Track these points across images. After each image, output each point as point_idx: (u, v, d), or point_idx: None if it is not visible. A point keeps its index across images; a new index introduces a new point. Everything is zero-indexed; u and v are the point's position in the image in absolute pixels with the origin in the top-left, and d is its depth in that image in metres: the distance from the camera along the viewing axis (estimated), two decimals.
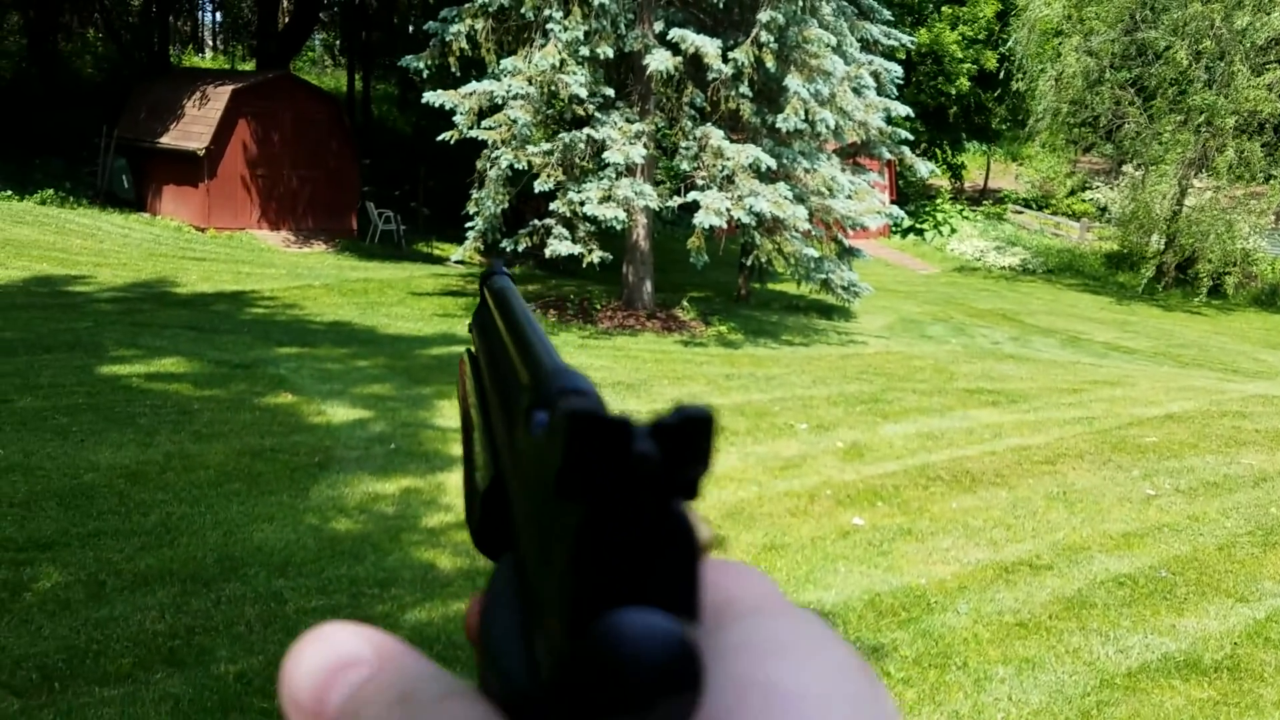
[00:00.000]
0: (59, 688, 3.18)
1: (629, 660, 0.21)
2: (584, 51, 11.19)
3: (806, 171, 11.80)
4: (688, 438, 0.22)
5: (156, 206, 17.58)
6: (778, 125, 11.36)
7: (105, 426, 5.80)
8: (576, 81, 11.09)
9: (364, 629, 0.28)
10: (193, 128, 16.92)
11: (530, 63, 11.26)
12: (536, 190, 11.72)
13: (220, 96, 16.98)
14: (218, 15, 35.47)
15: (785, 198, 11.14)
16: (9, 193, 16.42)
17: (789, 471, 6.25)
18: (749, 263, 13.68)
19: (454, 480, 5.40)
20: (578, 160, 11.62)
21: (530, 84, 11.25)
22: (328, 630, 0.28)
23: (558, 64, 11.11)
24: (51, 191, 16.85)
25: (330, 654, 0.27)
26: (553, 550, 0.23)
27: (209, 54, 35.60)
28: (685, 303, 13.35)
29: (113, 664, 3.34)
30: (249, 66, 26.99)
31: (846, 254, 13.46)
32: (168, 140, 17.01)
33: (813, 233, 12.34)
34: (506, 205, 12.36)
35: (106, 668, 3.31)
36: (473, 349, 0.48)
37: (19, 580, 3.87)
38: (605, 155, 11.23)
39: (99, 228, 15.55)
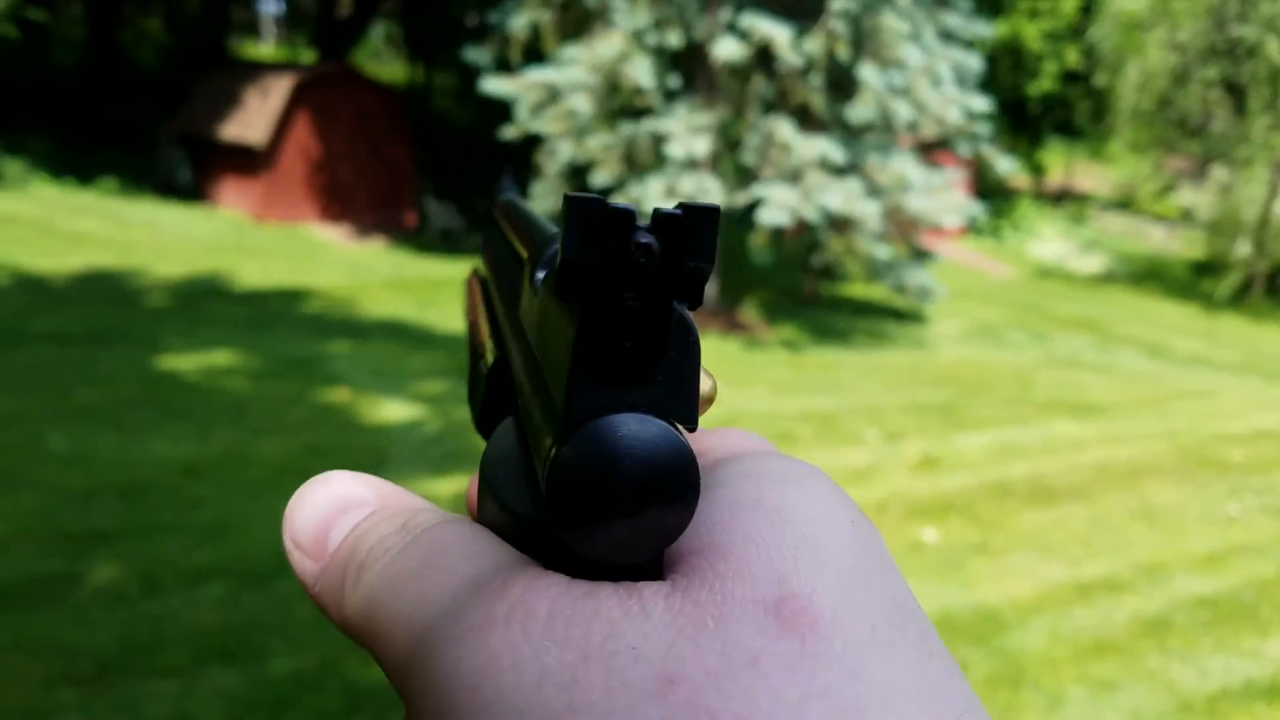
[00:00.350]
0: (114, 679, 3.18)
1: (620, 461, 0.21)
2: (650, 40, 11.01)
3: (879, 167, 11.54)
4: (691, 230, 0.21)
5: (215, 199, 17.73)
6: (849, 117, 11.12)
7: (162, 420, 5.77)
8: (641, 71, 10.92)
9: (365, 476, 0.29)
10: (252, 120, 17.03)
11: (593, 51, 11.11)
12: (596, 185, 11.58)
13: (280, 89, 17.07)
14: (278, 5, 35.91)
15: (857, 194, 10.91)
16: (70, 181, 16.67)
17: (857, 481, 6.09)
18: (816, 263, 13.45)
19: None
20: (639, 154, 11.47)
21: (592, 73, 11.10)
22: (331, 475, 0.29)
23: (621, 53, 10.95)
24: (112, 183, 17.07)
25: (333, 496, 0.28)
26: (552, 367, 0.23)
27: (269, 43, 36.05)
28: (750, 303, 13.16)
29: (167, 658, 3.32)
30: (309, 57, 27.24)
31: (920, 255, 13.13)
32: (227, 132, 17.14)
33: (885, 232, 12.07)
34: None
35: (161, 661, 3.30)
36: (480, 270, 0.48)
37: (76, 572, 3.86)
38: (667, 148, 11.06)
39: (158, 220, 15.72)
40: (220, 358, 7.53)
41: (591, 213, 0.20)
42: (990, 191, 26.19)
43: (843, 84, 11.50)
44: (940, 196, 12.23)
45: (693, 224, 0.21)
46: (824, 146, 10.81)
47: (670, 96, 11.63)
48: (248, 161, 17.02)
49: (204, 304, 10.08)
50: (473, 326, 0.43)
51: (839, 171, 11.38)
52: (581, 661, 0.21)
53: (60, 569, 3.85)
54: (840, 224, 11.32)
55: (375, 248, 17.33)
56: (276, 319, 9.68)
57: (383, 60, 33.54)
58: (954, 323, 14.83)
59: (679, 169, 11.14)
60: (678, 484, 0.21)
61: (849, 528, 0.24)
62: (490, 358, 0.34)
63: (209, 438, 5.54)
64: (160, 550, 4.12)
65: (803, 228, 11.73)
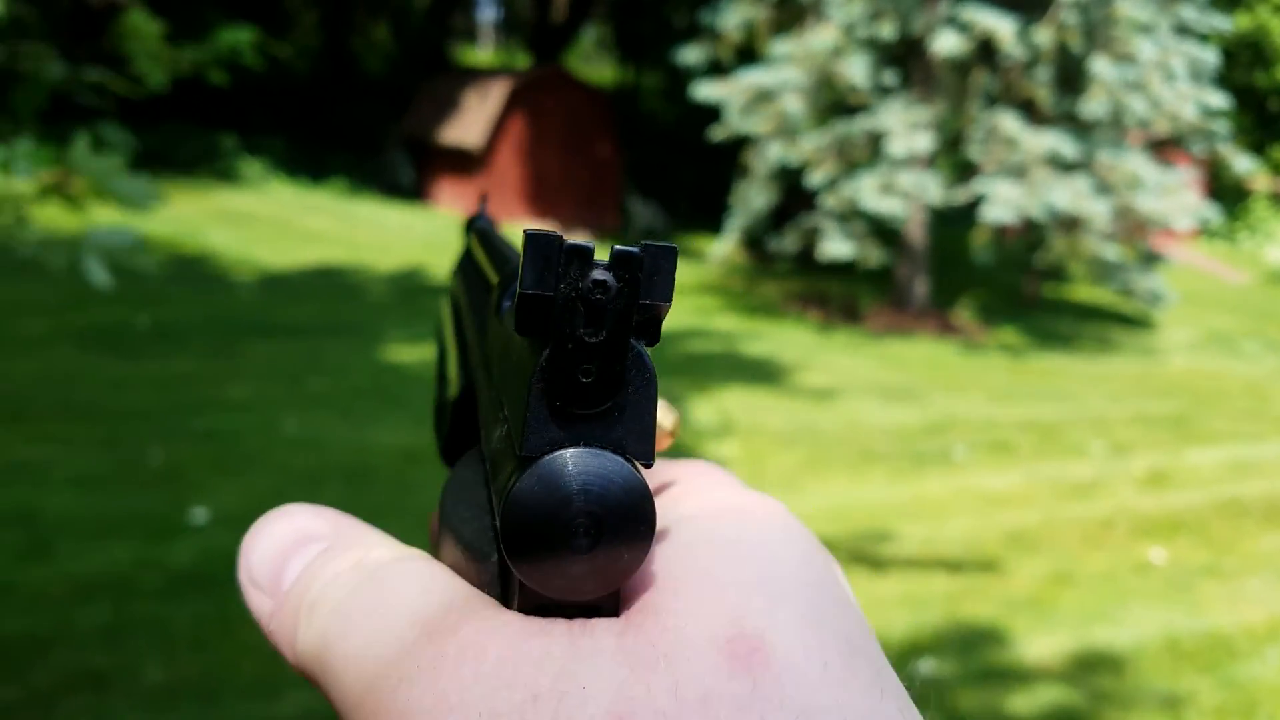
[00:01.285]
0: None
1: (574, 497, 0.21)
2: (862, 34, 10.81)
3: (1109, 165, 10.96)
4: (649, 269, 0.21)
5: (434, 199, 18.58)
6: (1079, 112, 10.60)
7: (385, 408, 6.08)
8: (854, 68, 10.74)
9: (321, 508, 0.29)
10: (470, 123, 17.74)
11: (804, 46, 10.99)
12: (808, 186, 11.46)
13: (497, 93, 17.71)
14: (497, 11, 37.26)
15: (1085, 192, 10.38)
16: (304, 181, 17.84)
17: (1080, 496, 5.79)
18: (1039, 263, 12.87)
19: None
20: (853, 152, 11.27)
21: (804, 71, 10.98)
22: (288, 509, 0.29)
23: (835, 48, 10.79)
24: (341, 183, 18.17)
25: (289, 531, 0.29)
26: (512, 399, 0.23)
27: (486, 49, 37.49)
28: (966, 305, 12.73)
29: None
30: (523, 60, 28.15)
31: (1150, 258, 12.38)
32: (446, 135, 17.92)
33: (1114, 233, 11.46)
34: (774, 201, 12.17)
35: None
36: (453, 293, 0.48)
37: None
38: (887, 145, 10.82)
39: (382, 219, 16.60)
40: (436, 350, 7.88)
41: (549, 249, 0.20)
42: (1224, 192, 24.39)
43: (1070, 78, 10.98)
44: (1173, 197, 11.47)
45: (651, 263, 0.20)
46: (1053, 141, 10.32)
47: (884, 92, 11.38)
48: (465, 163, 17.76)
49: (422, 299, 10.56)
50: (443, 354, 0.43)
51: (1065, 168, 10.86)
52: (530, 702, 0.21)
53: None
54: (1066, 223, 10.80)
55: None
56: None
57: (592, 62, 34.30)
58: (1185, 330, 13.89)
59: (894, 166, 10.89)
60: (633, 521, 0.21)
61: (806, 565, 0.24)
62: (455, 388, 0.34)
63: (426, 426, 5.79)
64: (383, 531, 4.33)
65: (1023, 226, 11.26)
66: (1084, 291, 14.59)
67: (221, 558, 3.91)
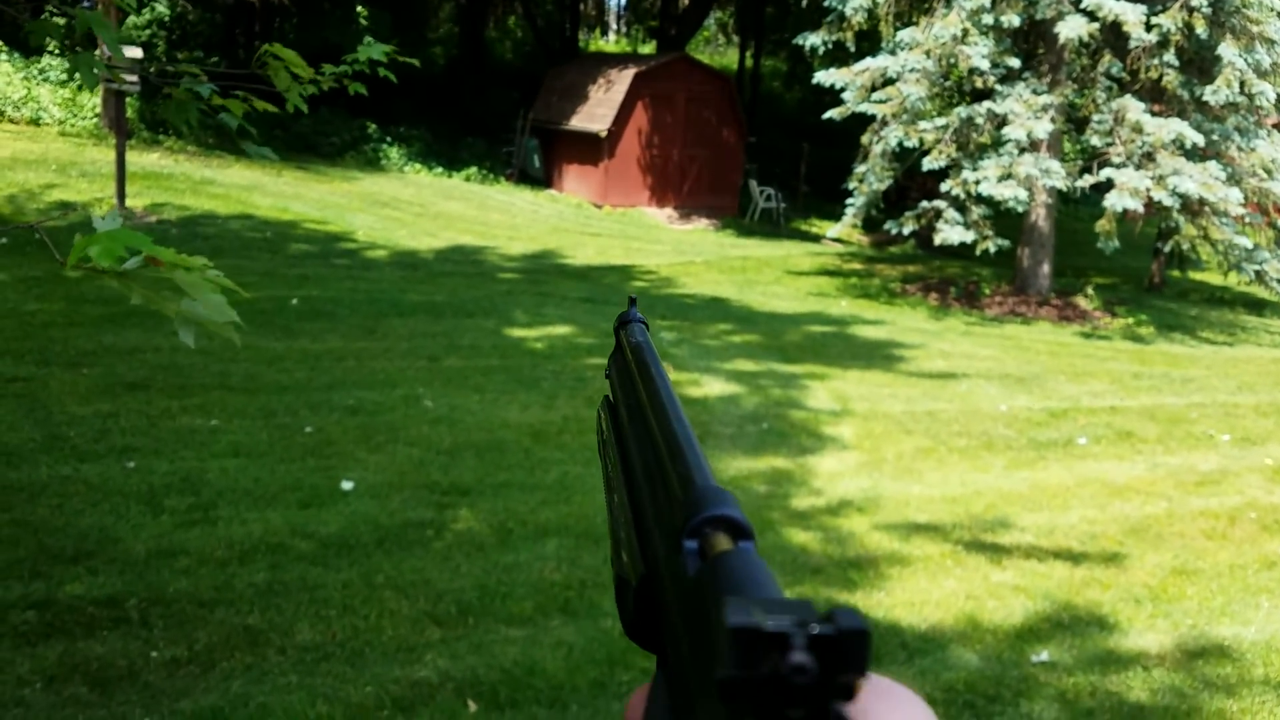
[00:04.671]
0: (472, 622, 3.44)
1: None
2: (987, 20, 10.64)
3: (1240, 150, 10.54)
4: (844, 649, 0.22)
5: (561, 184, 18.87)
6: (1207, 98, 10.24)
7: (514, 387, 6.27)
8: (978, 53, 10.58)
9: None
10: (596, 110, 17.96)
11: (929, 34, 10.88)
12: (925, 168, 11.36)
13: (623, 80, 17.88)
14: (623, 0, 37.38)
15: (1216, 178, 10.03)
16: (440, 169, 18.34)
17: (1206, 488, 5.61)
18: (1166, 249, 12.44)
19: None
20: (975, 136, 11.10)
21: (927, 57, 10.88)
22: None
23: (959, 34, 10.64)
24: (474, 169, 18.62)
25: None
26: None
27: (612, 37, 37.67)
28: (1089, 290, 12.40)
29: (517, 606, 3.57)
30: (648, 48, 28.26)
31: None
32: (574, 122, 18.18)
33: (1246, 218, 11.02)
34: (890, 183, 12.10)
35: (511, 609, 3.55)
36: (610, 396, 0.49)
37: (442, 520, 4.26)
38: (1006, 130, 10.64)
39: (513, 203, 16.96)
40: (562, 330, 8.09)
41: (753, 641, 0.22)
42: None
43: (1200, 63, 10.61)
44: None
45: (845, 643, 0.22)
46: (1180, 128, 9.99)
47: (1009, 77, 11.18)
48: (591, 149, 17.99)
49: (548, 280, 10.81)
50: (607, 474, 0.44)
51: (1196, 154, 10.51)
52: None
53: (429, 517, 4.29)
54: (1196, 209, 10.44)
55: (700, 228, 17.81)
56: (609, 295, 10.21)
57: (714, 47, 34.15)
58: None
59: (1015, 152, 10.70)
60: None
61: None
62: (636, 567, 0.36)
63: (553, 405, 5.99)
64: (511, 505, 4.49)
65: (1149, 211, 10.94)
66: (1212, 277, 14.01)
67: (368, 526, 4.14)
